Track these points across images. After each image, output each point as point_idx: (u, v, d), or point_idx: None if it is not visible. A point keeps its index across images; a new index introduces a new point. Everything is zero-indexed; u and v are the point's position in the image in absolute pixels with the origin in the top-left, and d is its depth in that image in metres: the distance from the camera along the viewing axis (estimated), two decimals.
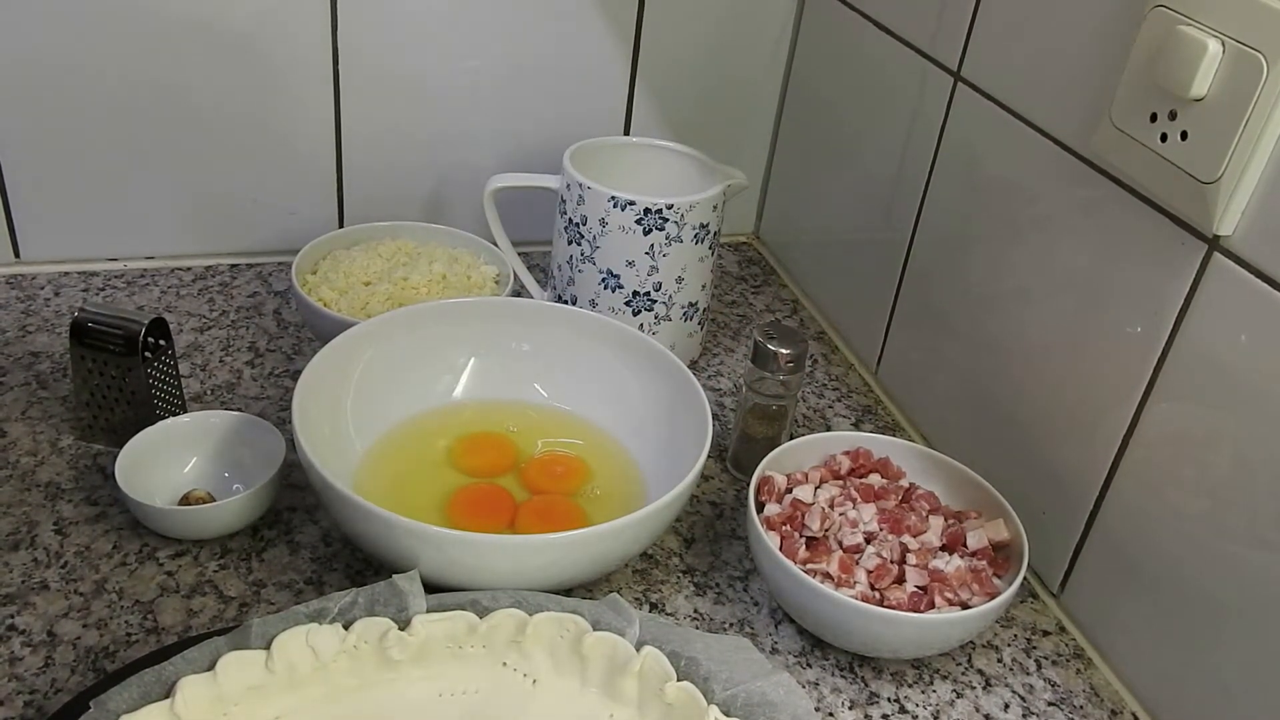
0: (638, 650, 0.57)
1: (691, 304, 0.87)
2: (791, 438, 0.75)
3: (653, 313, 0.86)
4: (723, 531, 0.76)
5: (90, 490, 0.71)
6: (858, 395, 0.92)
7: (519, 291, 0.90)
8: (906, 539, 0.66)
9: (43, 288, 0.91)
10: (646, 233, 0.82)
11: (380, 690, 0.57)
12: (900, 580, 0.65)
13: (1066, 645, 0.70)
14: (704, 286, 0.88)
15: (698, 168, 0.89)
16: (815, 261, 1.04)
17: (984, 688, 0.66)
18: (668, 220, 0.82)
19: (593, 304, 0.86)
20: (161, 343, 0.73)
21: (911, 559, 0.65)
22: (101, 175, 0.91)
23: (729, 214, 0.89)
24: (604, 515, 0.64)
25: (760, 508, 0.69)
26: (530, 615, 0.58)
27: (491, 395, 0.79)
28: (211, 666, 0.54)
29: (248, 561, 0.68)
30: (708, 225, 0.84)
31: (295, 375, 0.83)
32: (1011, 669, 0.68)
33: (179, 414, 0.74)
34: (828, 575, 0.64)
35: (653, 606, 0.69)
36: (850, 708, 0.64)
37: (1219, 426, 0.59)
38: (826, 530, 0.67)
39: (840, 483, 0.71)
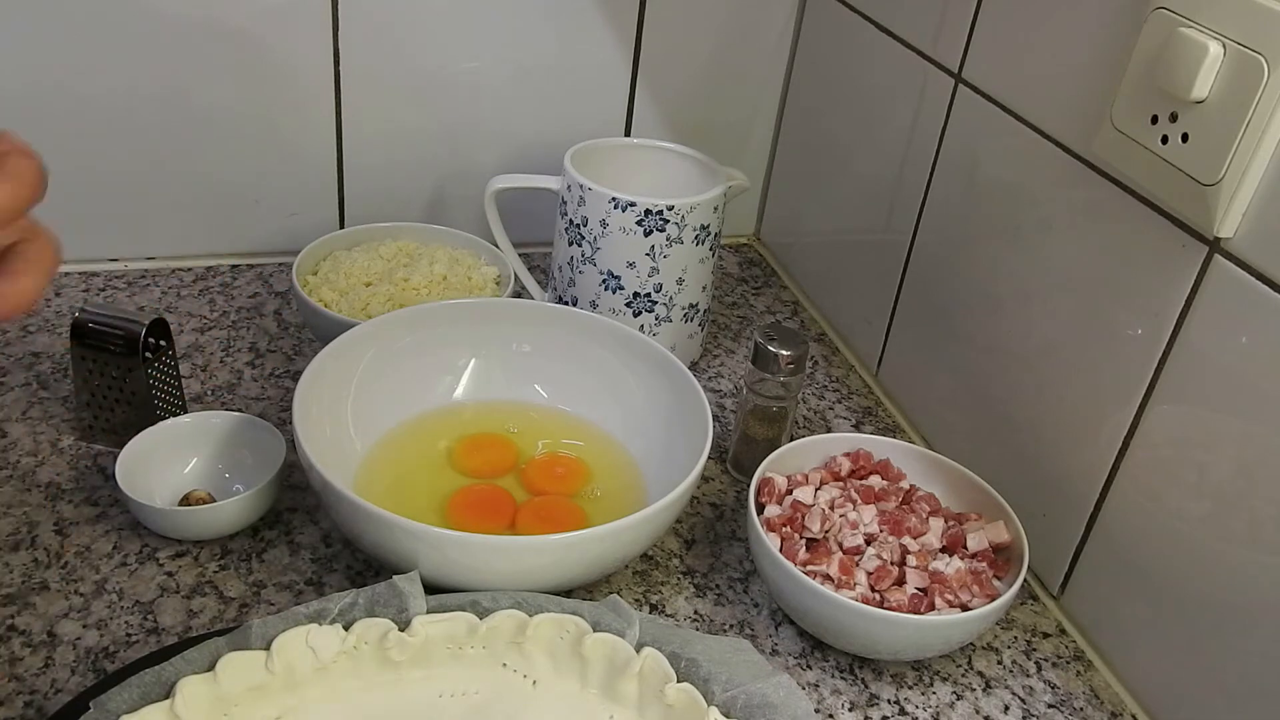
0: (638, 651, 0.57)
1: (692, 305, 0.87)
2: (792, 439, 0.75)
3: (653, 314, 0.86)
4: (723, 533, 0.76)
5: (90, 490, 0.71)
6: (858, 397, 0.92)
7: (520, 293, 0.90)
8: (907, 541, 0.66)
9: None
10: (647, 234, 0.82)
11: (380, 691, 0.57)
12: (900, 582, 0.65)
13: (1066, 647, 0.70)
14: (705, 288, 0.88)
15: (698, 169, 0.89)
16: (816, 263, 1.04)
17: (984, 690, 0.66)
18: (668, 221, 0.82)
19: (593, 305, 0.86)
20: (162, 343, 0.73)
21: (912, 561, 0.65)
22: (102, 175, 0.91)
23: (730, 215, 0.88)
24: (604, 516, 0.64)
25: (760, 509, 0.69)
26: (530, 616, 0.58)
27: (492, 396, 0.79)
28: (211, 667, 0.54)
29: (248, 562, 0.68)
30: (708, 226, 0.84)
31: (296, 376, 0.83)
32: (1011, 671, 0.68)
33: (179, 414, 0.74)
34: (828, 577, 0.64)
35: (653, 608, 0.69)
36: (850, 709, 0.64)
37: (1219, 429, 0.59)
38: (827, 532, 0.67)
39: (841, 484, 0.71)
